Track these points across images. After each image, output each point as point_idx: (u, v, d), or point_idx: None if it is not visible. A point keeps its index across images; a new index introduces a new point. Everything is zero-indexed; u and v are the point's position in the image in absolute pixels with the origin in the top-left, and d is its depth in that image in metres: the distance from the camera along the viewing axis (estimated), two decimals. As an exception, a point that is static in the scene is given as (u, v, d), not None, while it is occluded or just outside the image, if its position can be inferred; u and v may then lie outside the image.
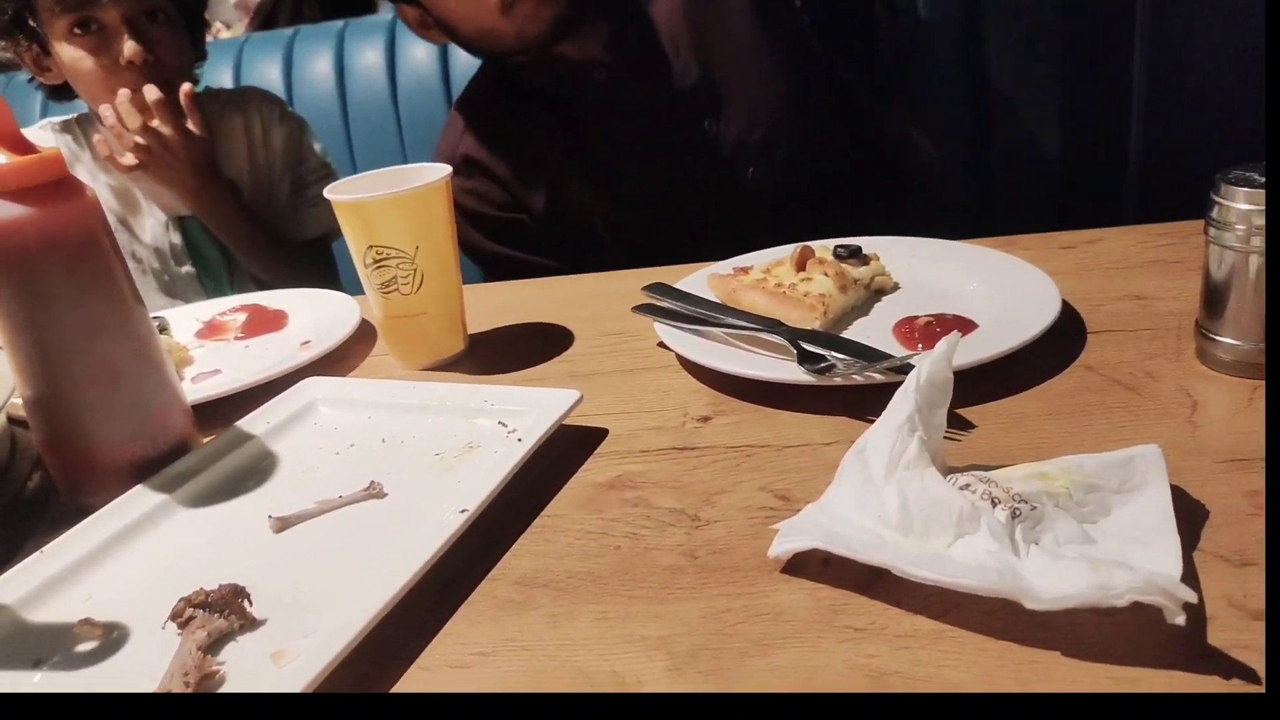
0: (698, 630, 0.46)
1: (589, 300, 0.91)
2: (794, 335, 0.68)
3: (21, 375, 0.62)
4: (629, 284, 0.87)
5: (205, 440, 0.69)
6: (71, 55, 1.23)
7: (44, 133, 1.35)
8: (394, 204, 0.76)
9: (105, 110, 1.19)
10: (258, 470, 0.66)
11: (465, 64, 1.71)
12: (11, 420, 0.70)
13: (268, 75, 1.76)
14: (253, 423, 0.70)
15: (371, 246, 0.77)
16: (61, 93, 1.31)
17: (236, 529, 0.59)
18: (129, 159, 1.22)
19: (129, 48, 1.21)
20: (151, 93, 1.18)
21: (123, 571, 0.56)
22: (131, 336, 0.64)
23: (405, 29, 1.51)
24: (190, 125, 1.23)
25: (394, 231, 0.76)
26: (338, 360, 0.84)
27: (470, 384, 0.71)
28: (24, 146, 0.60)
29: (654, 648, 0.45)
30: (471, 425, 0.67)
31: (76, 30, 1.21)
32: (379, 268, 0.77)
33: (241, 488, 0.64)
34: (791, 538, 0.48)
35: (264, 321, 0.93)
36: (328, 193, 0.78)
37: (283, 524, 0.58)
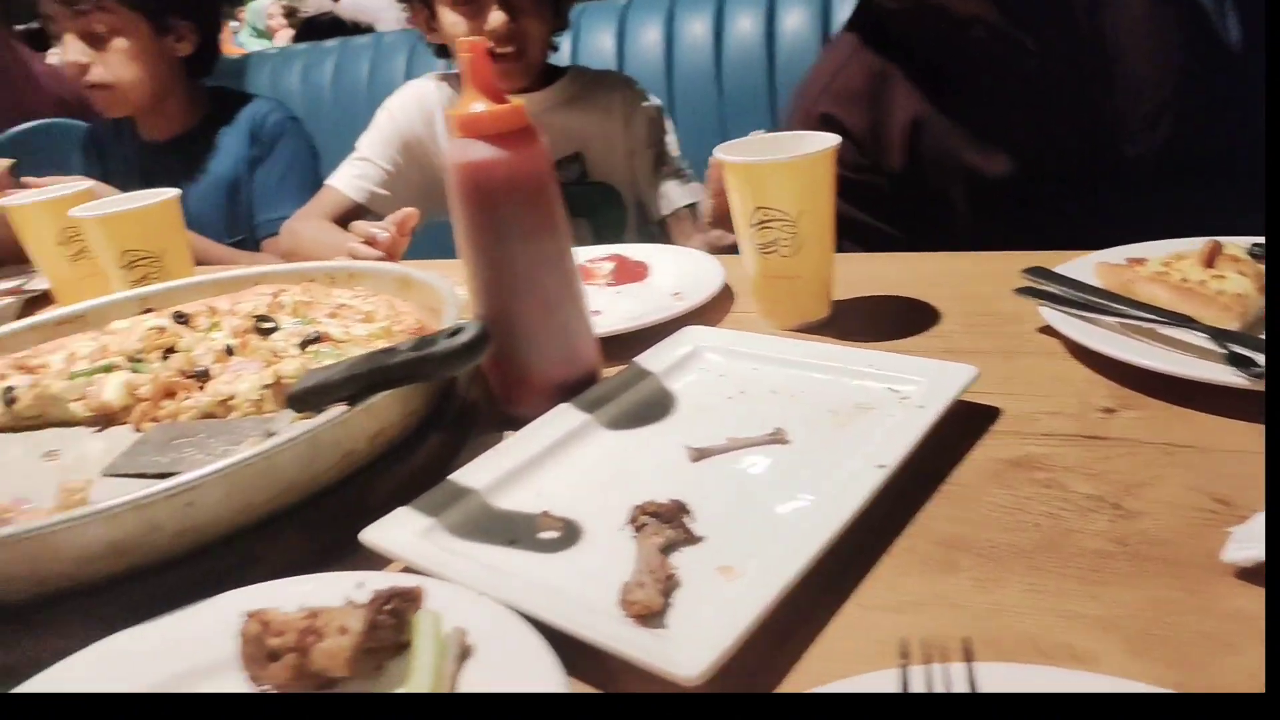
0: (1139, 615, 0.46)
1: (951, 279, 0.91)
2: (1219, 335, 0.65)
3: (477, 299, 0.72)
4: (997, 266, 0.86)
5: (608, 372, 0.76)
6: (450, 20, 1.37)
7: (428, 83, 1.51)
8: (785, 169, 0.80)
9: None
10: (660, 404, 0.72)
11: (791, 38, 1.73)
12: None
13: (601, 44, 1.86)
14: (649, 361, 0.76)
15: (760, 208, 0.81)
16: (444, 52, 1.47)
17: (655, 453, 0.65)
18: None
19: (494, 17, 1.34)
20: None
21: (563, 476, 0.64)
22: (565, 271, 0.72)
23: (734, 1, 1.56)
24: None
25: (782, 195, 0.80)
26: (705, 313, 0.89)
27: (848, 348, 0.73)
28: (499, 97, 0.68)
29: (1099, 627, 0.45)
30: (858, 387, 0.69)
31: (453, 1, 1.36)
32: (763, 228, 0.81)
33: (650, 417, 0.70)
34: (1251, 546, 0.46)
35: (629, 271, 1.01)
36: (719, 152, 0.83)
37: (699, 454, 0.63)
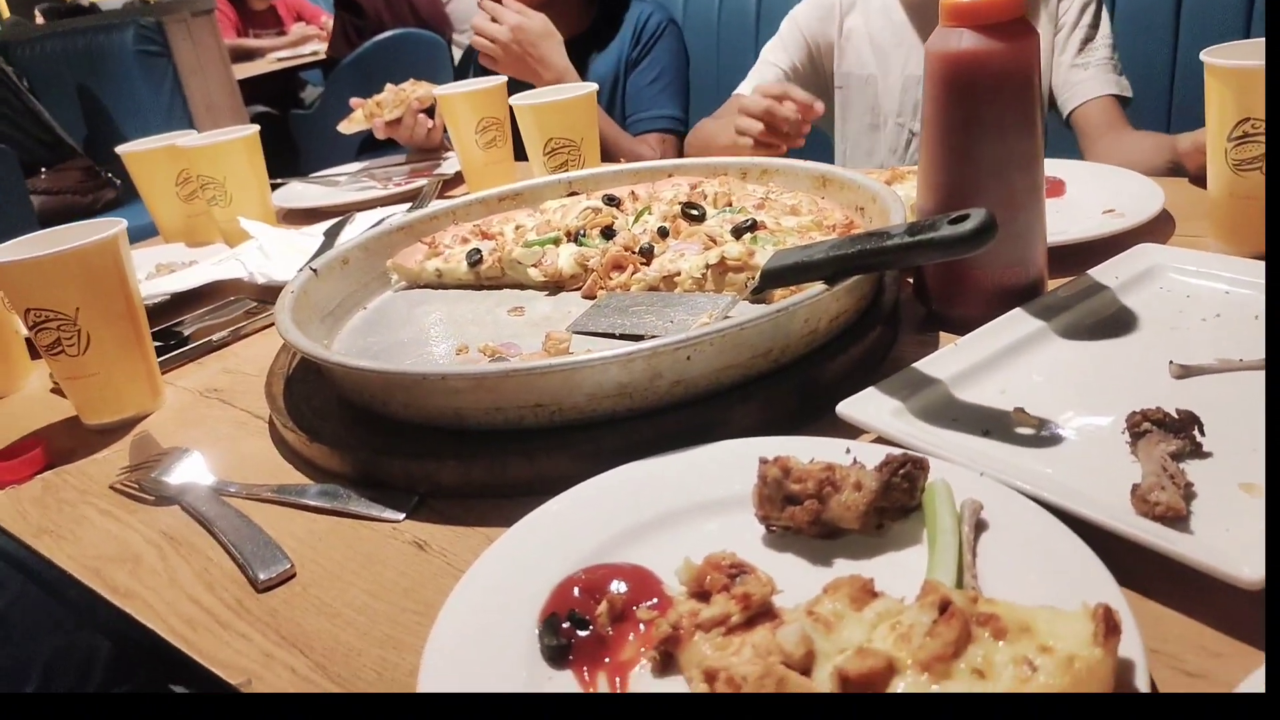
0: None
1: None
2: None
3: (932, 194, 0.71)
4: None
5: (1053, 283, 0.73)
6: None
7: None
8: (1282, 75, 0.71)
9: None
10: (1121, 319, 0.68)
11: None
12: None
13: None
14: (1102, 274, 0.72)
15: (1246, 119, 0.73)
16: None
17: (1130, 365, 0.62)
18: None
19: None
20: None
21: (1027, 378, 0.62)
22: (1034, 173, 0.69)
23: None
24: None
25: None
26: (1144, 234, 0.83)
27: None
28: (996, -16, 0.66)
29: None
30: (1369, 321, 0.62)
31: None
32: (1245, 143, 0.74)
33: (1114, 330, 0.67)
34: None
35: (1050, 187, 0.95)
36: (1206, 55, 0.75)
37: (1184, 371, 0.60)
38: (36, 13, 4.45)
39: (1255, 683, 0.36)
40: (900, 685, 0.37)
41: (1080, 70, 1.31)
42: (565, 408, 0.61)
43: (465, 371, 0.61)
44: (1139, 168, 0.99)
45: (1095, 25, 1.34)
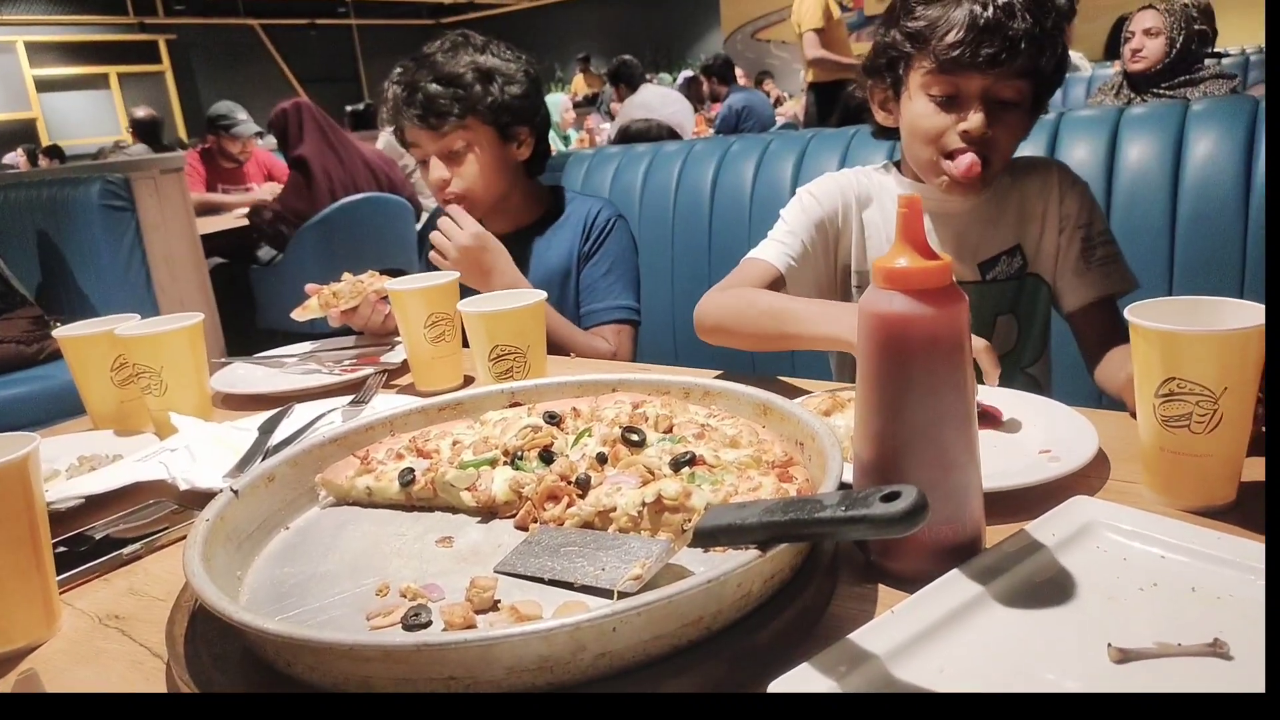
0: None
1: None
2: None
3: (866, 444, 0.71)
4: None
5: (990, 532, 0.72)
6: (920, 110, 1.29)
7: (848, 174, 1.46)
8: (1210, 342, 0.74)
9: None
10: (1060, 585, 0.67)
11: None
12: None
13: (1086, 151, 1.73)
14: (1039, 530, 0.72)
15: (1172, 379, 0.75)
16: (887, 133, 1.43)
17: (1069, 645, 0.60)
18: None
19: (974, 119, 1.24)
20: None
21: (966, 655, 0.60)
22: (967, 431, 0.69)
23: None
24: None
25: (1204, 369, 0.74)
26: (1079, 478, 0.83)
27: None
28: (928, 253, 0.68)
29: None
30: (1302, 600, 0.61)
31: (933, 92, 1.27)
32: (1172, 401, 0.75)
33: (1052, 598, 0.65)
34: None
35: (981, 417, 0.96)
36: (1129, 314, 0.78)
37: (1124, 655, 0.58)
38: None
39: None
40: None
41: (1084, 271, 1.35)
42: (480, 681, 0.57)
43: (373, 643, 0.57)
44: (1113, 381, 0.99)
45: (1095, 221, 1.37)
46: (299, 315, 1.51)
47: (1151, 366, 0.76)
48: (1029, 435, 0.93)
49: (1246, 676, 0.56)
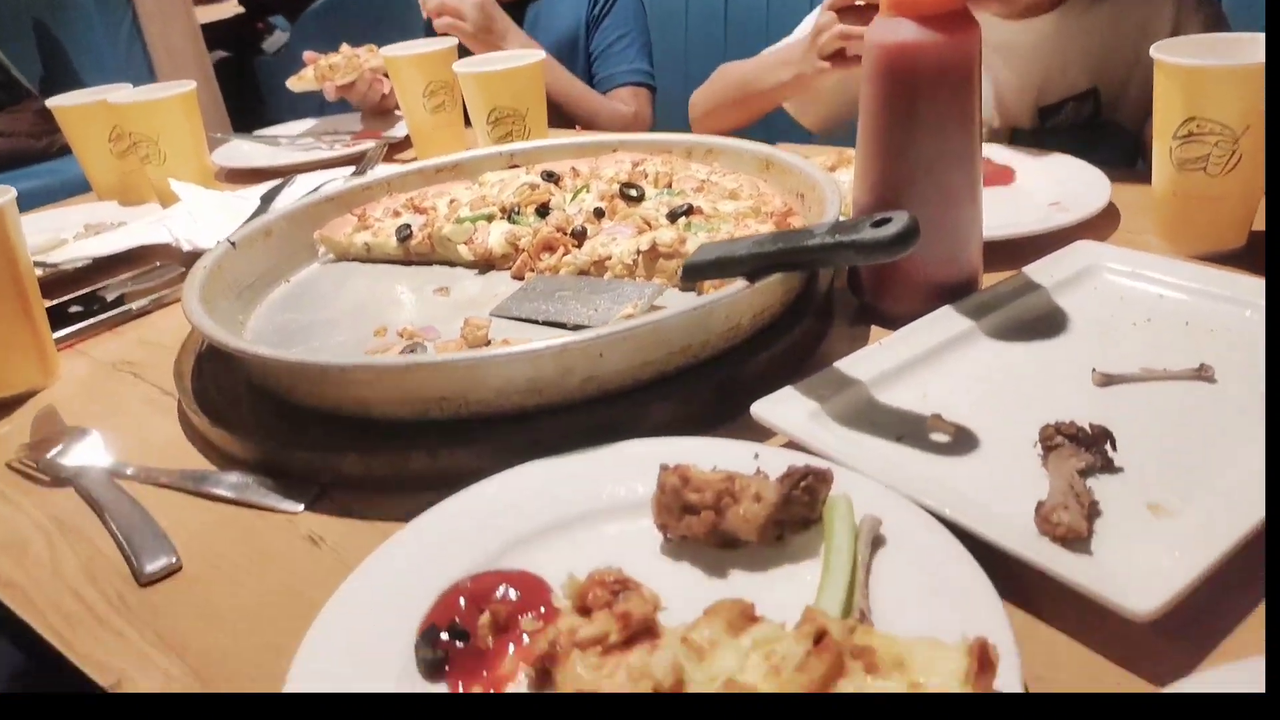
0: None
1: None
2: None
3: (866, 185, 0.69)
4: None
5: (988, 278, 0.71)
6: None
7: None
8: (1235, 76, 0.69)
9: None
10: (1052, 319, 0.67)
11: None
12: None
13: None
14: (1037, 273, 0.71)
15: (1193, 118, 0.71)
16: None
17: (1053, 371, 0.61)
18: None
19: None
20: None
21: (949, 381, 0.61)
22: (971, 169, 0.67)
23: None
24: None
25: (1225, 106, 0.70)
26: (1087, 229, 0.81)
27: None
28: (935, -30, 0.63)
29: None
30: (1297, 332, 0.61)
31: None
32: (1191, 142, 0.72)
33: (1042, 331, 0.65)
34: None
35: (995, 174, 0.93)
36: (1155, 51, 0.73)
37: (1107, 379, 0.58)
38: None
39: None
40: None
41: None
42: (471, 402, 0.58)
43: (369, 364, 0.59)
44: None
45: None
46: (294, 85, 1.46)
47: (1173, 106, 0.72)
48: (1040, 188, 0.90)
49: (1228, 399, 0.56)
